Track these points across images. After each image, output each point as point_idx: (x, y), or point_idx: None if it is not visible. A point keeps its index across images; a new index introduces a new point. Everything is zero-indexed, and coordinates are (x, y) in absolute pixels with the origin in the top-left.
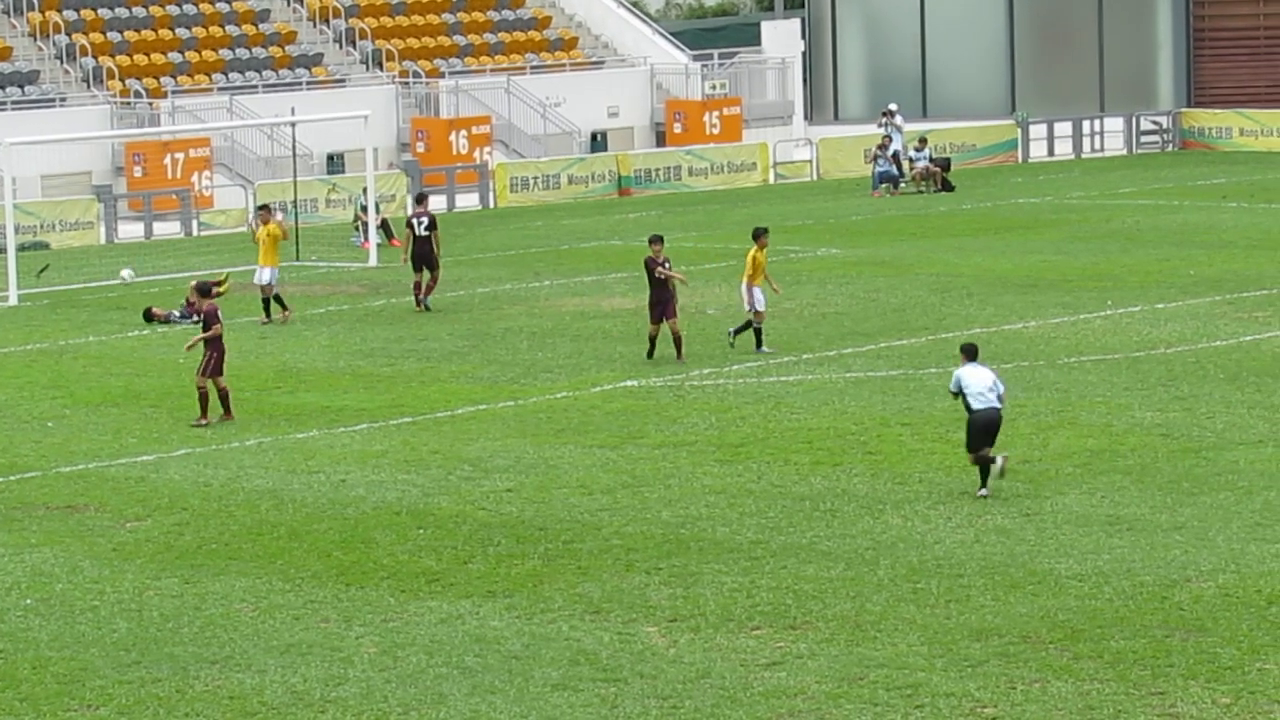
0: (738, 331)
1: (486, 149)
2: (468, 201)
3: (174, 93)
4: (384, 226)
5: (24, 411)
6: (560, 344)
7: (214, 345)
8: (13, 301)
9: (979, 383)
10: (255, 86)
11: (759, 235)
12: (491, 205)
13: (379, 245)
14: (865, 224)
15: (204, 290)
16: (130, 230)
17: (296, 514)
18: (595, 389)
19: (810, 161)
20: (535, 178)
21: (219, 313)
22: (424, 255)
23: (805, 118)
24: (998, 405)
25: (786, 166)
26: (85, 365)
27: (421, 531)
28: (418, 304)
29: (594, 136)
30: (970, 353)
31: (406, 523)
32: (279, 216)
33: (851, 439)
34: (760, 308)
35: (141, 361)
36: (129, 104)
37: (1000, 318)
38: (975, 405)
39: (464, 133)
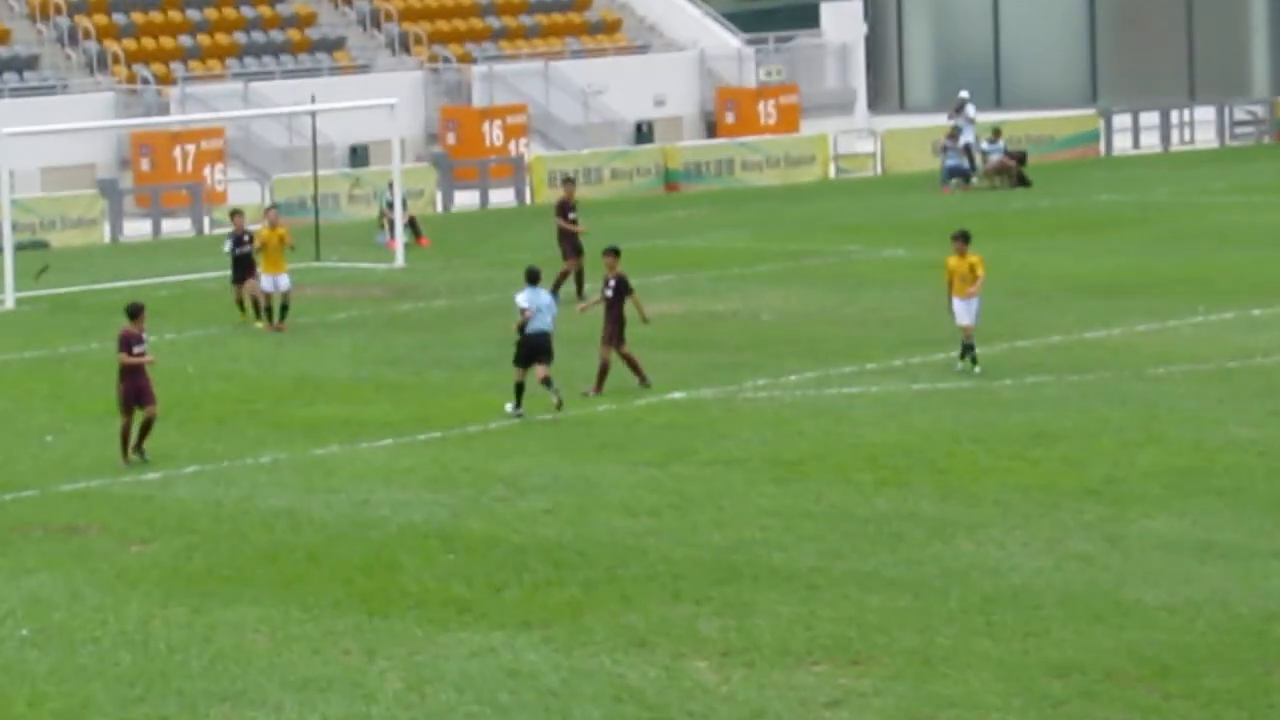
0: (966, 354)
1: (522, 140)
2: (502, 197)
3: (184, 79)
4: (411, 224)
5: (21, 424)
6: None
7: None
8: (9, 305)
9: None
10: (272, 73)
11: (955, 239)
12: (527, 201)
13: (406, 245)
14: (933, 223)
15: (138, 310)
16: (137, 228)
17: (315, 536)
18: (639, 401)
19: (873, 154)
20: (577, 171)
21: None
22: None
23: (868, 107)
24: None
25: (848, 160)
26: (87, 374)
27: (451, 556)
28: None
29: (639, 127)
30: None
31: (435, 546)
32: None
33: (919, 456)
34: (963, 321)
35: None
36: (135, 91)
37: (1081, 325)
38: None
39: (498, 123)
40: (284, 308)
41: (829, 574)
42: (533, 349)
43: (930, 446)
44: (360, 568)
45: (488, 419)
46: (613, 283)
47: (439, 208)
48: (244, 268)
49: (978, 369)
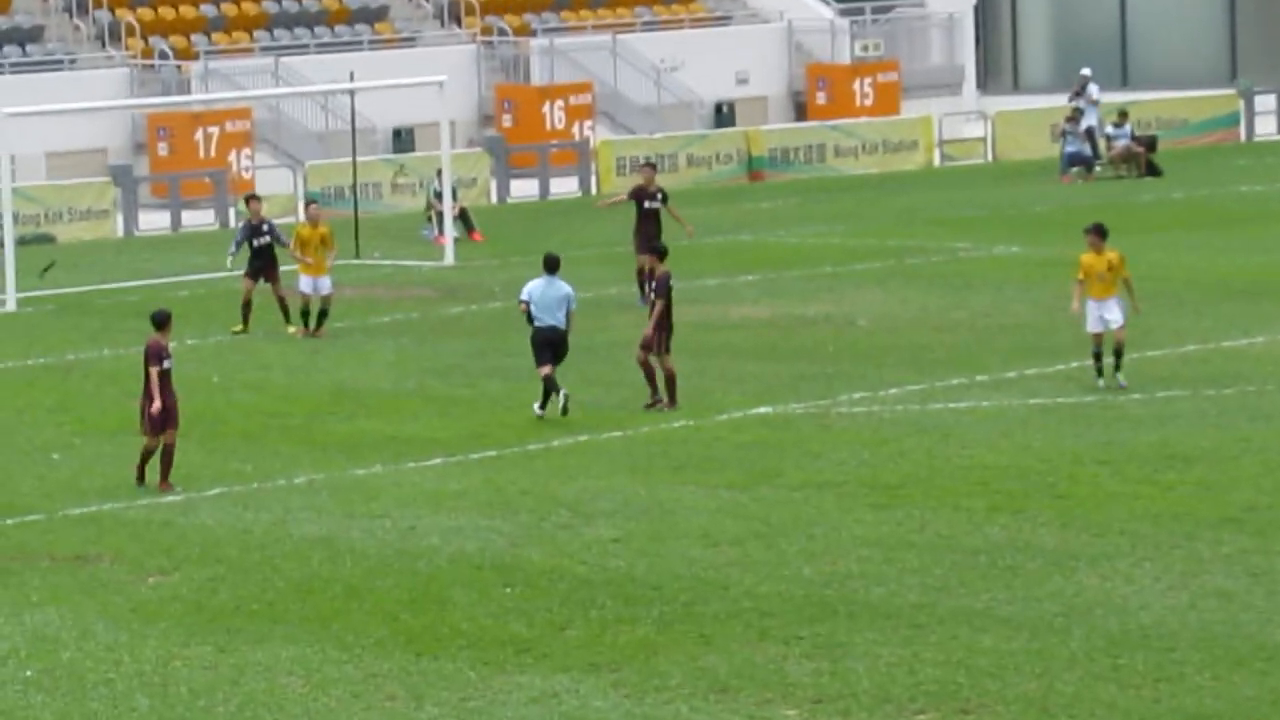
0: (1099, 361)
1: (587, 123)
2: (564, 187)
3: (207, 53)
4: (463, 217)
5: (24, 440)
6: (679, 361)
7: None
8: (11, 307)
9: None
10: (306, 46)
11: (1090, 233)
12: (593, 191)
13: (456, 240)
14: (1051, 216)
15: (166, 318)
16: (153, 220)
17: (355, 568)
18: (721, 416)
19: (983, 140)
20: (648, 158)
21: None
22: (653, 234)
23: (977, 86)
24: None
25: (954, 145)
26: (98, 384)
27: (508, 590)
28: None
29: (719, 108)
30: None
31: (490, 579)
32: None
33: (1036, 480)
34: (1098, 329)
35: None
36: (152, 67)
37: (1219, 332)
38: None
39: (559, 103)
40: (323, 313)
41: (934, 612)
42: (542, 345)
43: (1049, 469)
44: (406, 603)
45: (549, 436)
46: (653, 284)
47: (493, 198)
48: (264, 262)
49: (1122, 379)
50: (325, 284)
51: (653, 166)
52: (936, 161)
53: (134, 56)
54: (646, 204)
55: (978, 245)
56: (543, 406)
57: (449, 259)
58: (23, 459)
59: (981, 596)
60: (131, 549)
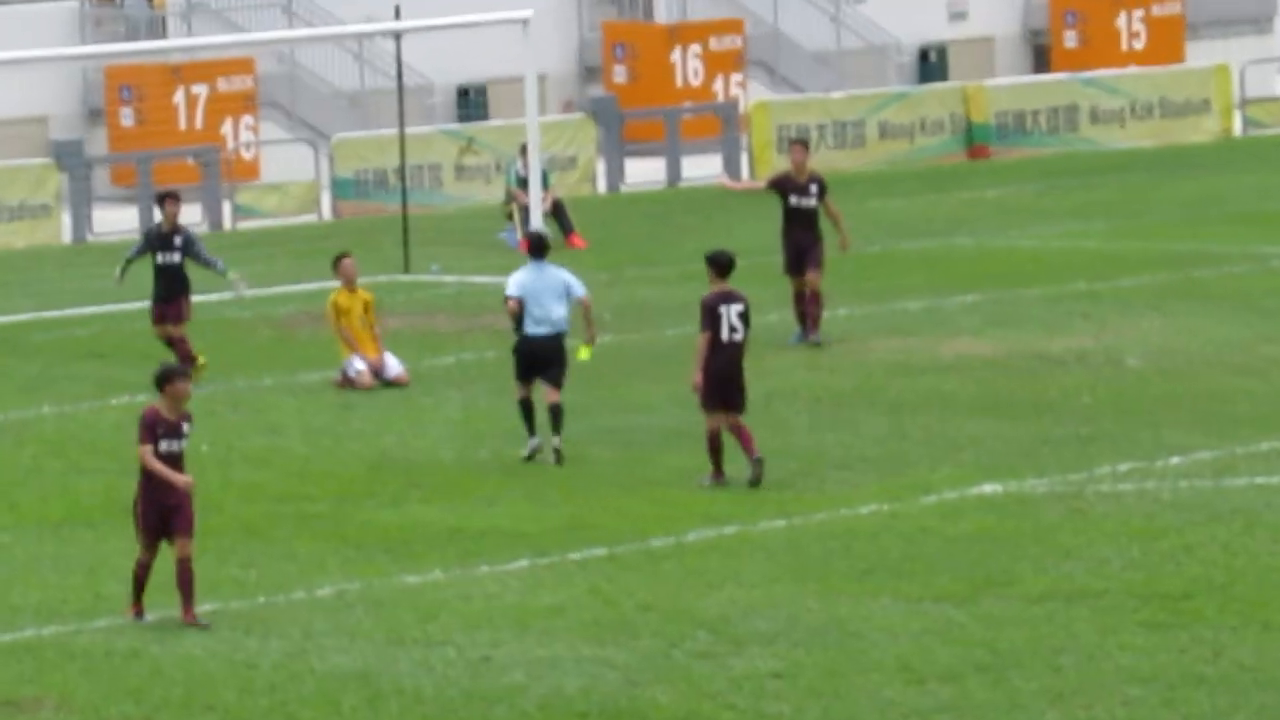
0: None
1: (735, 78)
2: (703, 167)
3: None
4: (557, 213)
5: None
6: (867, 417)
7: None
8: None
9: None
10: None
11: None
12: (746, 176)
13: None
14: None
15: (166, 377)
16: (114, 219)
17: (406, 715)
18: (928, 497)
19: None
20: (821, 126)
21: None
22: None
23: None
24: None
25: (1261, 107)
26: (36, 455)
27: None
28: (805, 333)
29: (924, 55)
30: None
31: None
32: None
33: None
34: None
35: (135, 448)
36: (112, 1)
37: None
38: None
39: (695, 49)
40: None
41: None
42: (533, 358)
43: None
44: None
45: (683, 526)
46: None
47: (601, 186)
48: (169, 290)
49: None
50: (393, 365)
51: (804, 145)
52: (1237, 130)
53: None
54: (794, 200)
55: None
56: (530, 436)
57: None
58: None
59: None
60: (84, 691)
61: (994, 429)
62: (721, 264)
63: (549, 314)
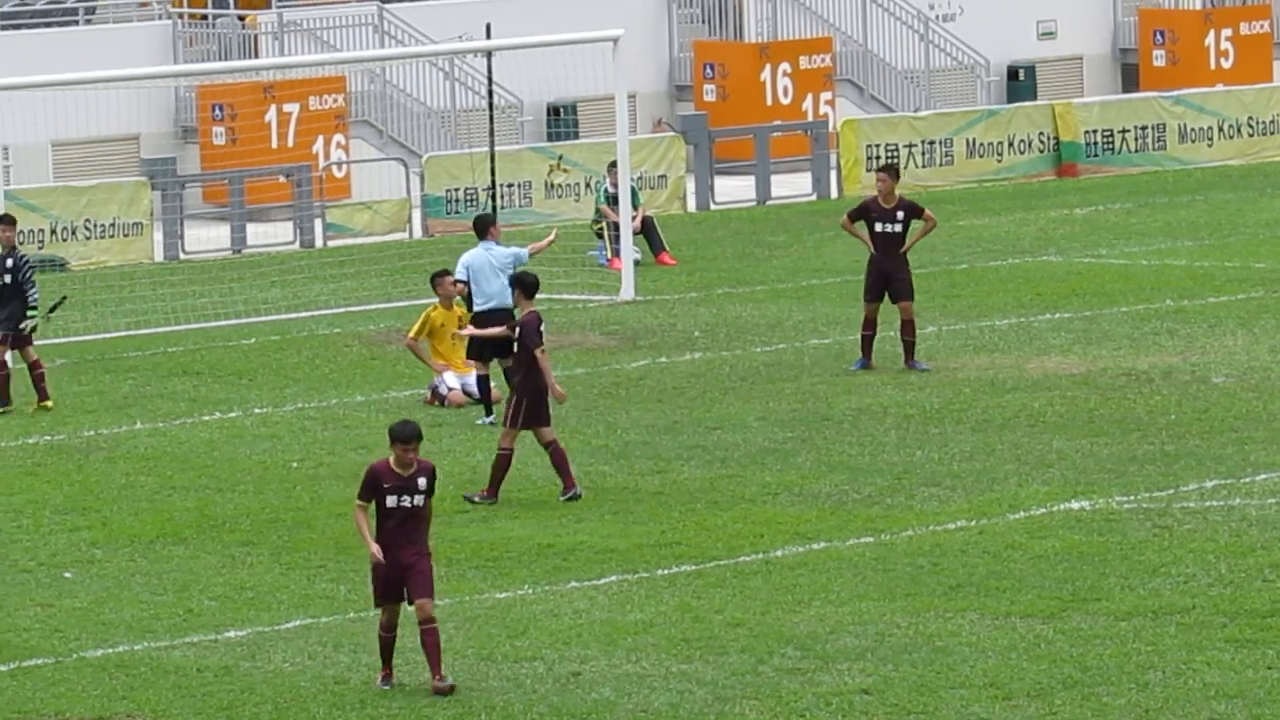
0: None
1: (824, 96)
2: (791, 187)
3: (280, 3)
4: (647, 231)
5: (23, 553)
6: (955, 435)
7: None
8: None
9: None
10: None
11: None
12: (835, 194)
13: (638, 264)
14: None
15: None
16: (206, 237)
17: None
18: (1016, 514)
19: None
20: (910, 145)
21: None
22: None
23: None
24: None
25: None
26: (128, 472)
27: None
28: (908, 359)
29: (1013, 74)
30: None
31: None
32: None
33: None
34: None
35: (227, 464)
36: (204, 18)
37: None
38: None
39: (784, 67)
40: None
41: None
42: (483, 338)
43: None
44: None
45: (771, 543)
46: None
47: (691, 204)
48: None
49: None
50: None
51: (891, 172)
52: None
53: (178, 7)
54: (879, 225)
55: None
56: (488, 412)
57: (628, 291)
58: (22, 580)
59: None
60: (176, 708)
61: (1081, 446)
62: (526, 285)
63: (498, 293)
